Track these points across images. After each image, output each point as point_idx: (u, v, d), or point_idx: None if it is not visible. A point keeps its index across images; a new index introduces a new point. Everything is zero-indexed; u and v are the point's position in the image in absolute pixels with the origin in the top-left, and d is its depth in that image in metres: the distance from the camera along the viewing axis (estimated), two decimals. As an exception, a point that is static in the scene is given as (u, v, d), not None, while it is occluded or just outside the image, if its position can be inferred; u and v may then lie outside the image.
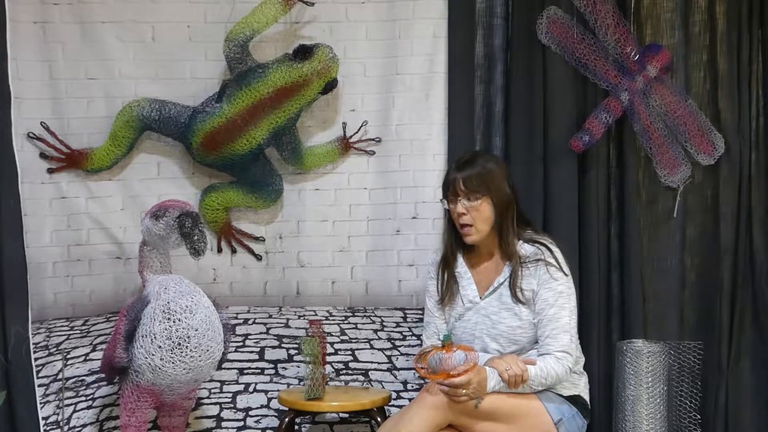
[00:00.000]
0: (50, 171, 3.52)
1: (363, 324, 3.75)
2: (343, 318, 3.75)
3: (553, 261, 3.14)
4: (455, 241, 3.25)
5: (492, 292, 3.19)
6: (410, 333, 3.72)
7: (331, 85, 3.61)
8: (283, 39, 3.66)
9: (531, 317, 3.13)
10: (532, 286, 3.14)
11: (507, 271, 3.17)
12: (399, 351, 3.74)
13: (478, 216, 3.14)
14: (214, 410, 3.69)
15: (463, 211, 3.14)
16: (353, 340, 3.75)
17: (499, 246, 3.20)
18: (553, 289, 3.12)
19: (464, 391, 2.92)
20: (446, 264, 3.26)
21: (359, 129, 3.70)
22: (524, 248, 3.18)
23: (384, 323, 3.75)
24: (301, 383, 3.60)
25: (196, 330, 3.10)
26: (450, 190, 3.18)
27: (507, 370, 2.97)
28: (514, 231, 3.18)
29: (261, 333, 3.75)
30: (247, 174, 3.65)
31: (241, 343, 3.72)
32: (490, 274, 3.22)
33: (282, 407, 3.58)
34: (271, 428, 3.68)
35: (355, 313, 3.75)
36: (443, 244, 3.29)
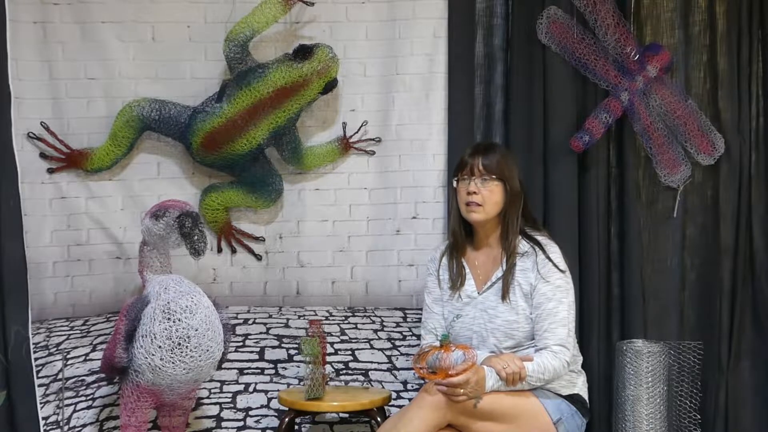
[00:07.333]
0: (50, 171, 3.52)
1: (363, 324, 3.75)
2: (343, 318, 3.75)
3: (549, 257, 3.15)
4: (462, 230, 3.27)
5: (490, 286, 3.20)
6: (410, 333, 3.71)
7: (331, 85, 3.61)
8: (283, 39, 3.66)
9: (528, 311, 3.15)
10: (531, 280, 3.15)
11: (506, 265, 3.19)
12: (399, 351, 3.74)
13: (489, 197, 3.17)
14: (214, 410, 3.69)
15: (474, 190, 3.16)
16: (353, 340, 3.75)
17: (500, 237, 3.22)
18: (552, 284, 3.13)
19: (462, 390, 2.93)
20: (455, 249, 3.27)
21: (359, 129, 3.70)
22: (522, 244, 3.20)
23: (384, 323, 3.75)
24: (301, 383, 3.59)
25: (196, 330, 3.10)
26: (465, 170, 3.20)
27: (504, 369, 2.98)
28: (517, 225, 3.20)
29: (261, 333, 3.75)
30: (247, 174, 3.65)
31: (241, 343, 3.72)
32: (488, 269, 3.23)
33: (282, 407, 3.58)
34: (271, 428, 3.68)
35: (355, 313, 3.75)
36: (450, 230, 3.30)
